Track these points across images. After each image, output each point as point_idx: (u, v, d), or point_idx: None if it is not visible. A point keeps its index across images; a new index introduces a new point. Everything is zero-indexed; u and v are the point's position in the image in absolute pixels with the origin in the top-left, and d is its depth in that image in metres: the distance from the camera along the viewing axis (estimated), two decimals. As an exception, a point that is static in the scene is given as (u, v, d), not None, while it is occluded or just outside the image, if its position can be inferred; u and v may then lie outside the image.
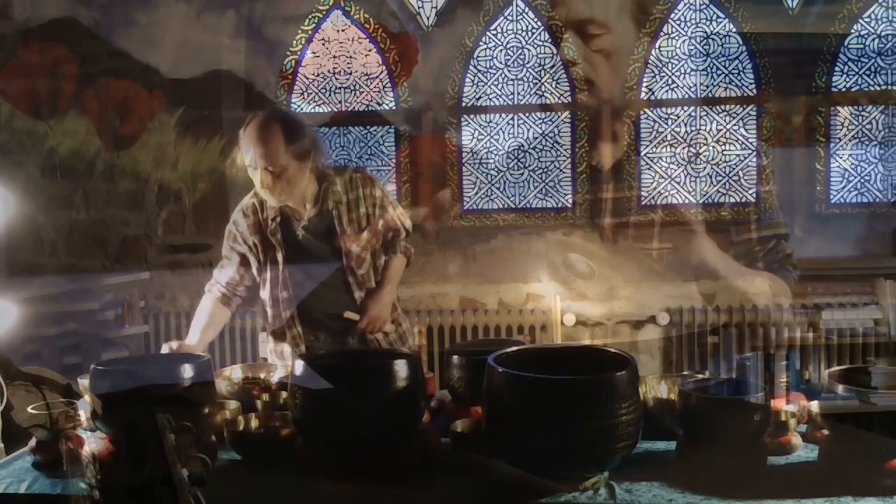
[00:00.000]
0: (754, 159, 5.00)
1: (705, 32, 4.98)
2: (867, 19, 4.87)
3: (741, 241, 4.87)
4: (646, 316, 4.85)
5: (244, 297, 2.97)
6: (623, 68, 4.98)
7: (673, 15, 4.99)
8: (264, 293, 2.91)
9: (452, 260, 5.00)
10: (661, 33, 5.00)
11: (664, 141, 5.06)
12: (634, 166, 5.06)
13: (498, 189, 5.21)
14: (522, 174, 5.18)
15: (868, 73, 4.90)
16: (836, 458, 1.98)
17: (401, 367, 2.05)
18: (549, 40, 5.09)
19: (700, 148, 5.04)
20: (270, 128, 2.70)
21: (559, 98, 5.12)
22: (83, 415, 2.31)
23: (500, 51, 5.15)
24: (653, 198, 5.09)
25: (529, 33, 5.12)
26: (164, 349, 2.78)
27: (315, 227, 2.84)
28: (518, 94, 5.15)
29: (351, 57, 5.27)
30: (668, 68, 5.02)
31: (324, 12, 5.25)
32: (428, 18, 5.15)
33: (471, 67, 5.17)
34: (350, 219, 2.85)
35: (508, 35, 5.13)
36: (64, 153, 5.04)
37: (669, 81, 5.03)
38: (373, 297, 2.88)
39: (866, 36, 4.87)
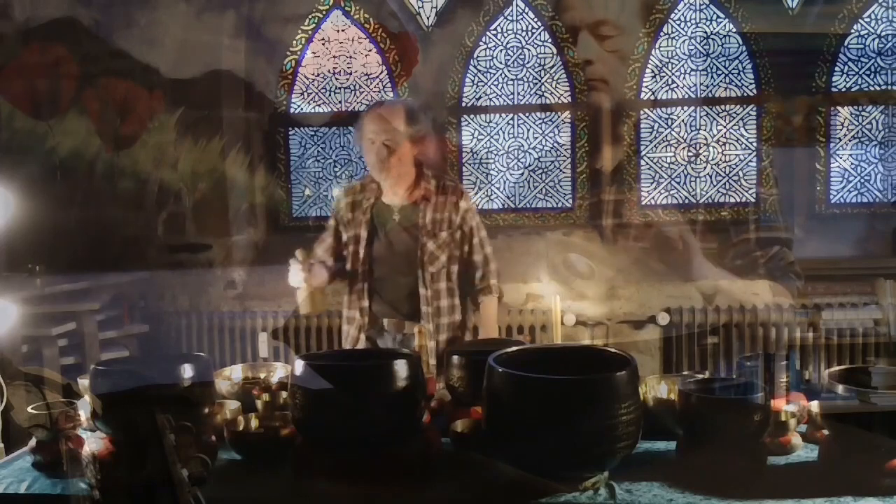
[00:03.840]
0: (754, 160, 5.00)
1: (705, 32, 4.98)
2: (867, 19, 4.87)
3: (739, 241, 4.87)
4: (646, 316, 4.85)
5: (330, 270, 3.16)
6: (625, 70, 4.99)
7: (673, 15, 4.99)
8: (348, 265, 3.16)
9: (452, 260, 4.99)
10: (662, 33, 5.00)
11: (664, 141, 5.07)
12: (635, 167, 5.06)
13: (498, 189, 5.21)
14: (522, 174, 5.19)
15: (868, 73, 4.90)
16: (836, 458, 1.97)
17: (401, 367, 2.05)
18: (550, 41, 5.09)
19: (700, 148, 5.04)
20: (395, 108, 3.07)
21: (559, 99, 5.12)
22: (83, 415, 2.31)
23: (500, 51, 5.15)
24: (653, 198, 5.09)
25: (529, 33, 5.12)
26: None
27: (406, 216, 3.10)
28: (518, 94, 5.15)
29: (351, 57, 5.27)
30: (668, 68, 5.02)
31: (324, 12, 5.25)
32: (428, 18, 5.15)
33: (471, 67, 5.17)
34: (434, 218, 3.08)
35: (508, 35, 5.14)
36: (64, 153, 5.04)
37: (670, 81, 5.03)
38: None
39: (866, 36, 4.88)
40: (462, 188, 3.23)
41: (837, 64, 4.90)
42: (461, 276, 3.20)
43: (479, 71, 5.18)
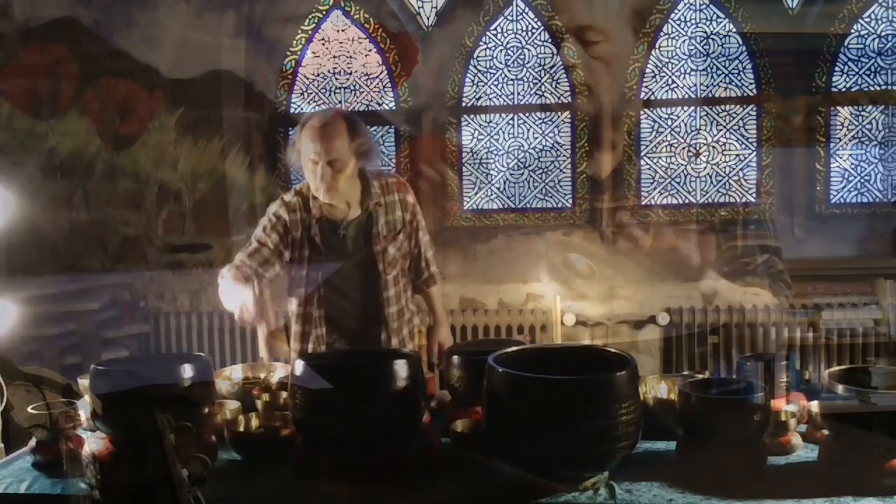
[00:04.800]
0: (754, 160, 5.00)
1: (705, 32, 4.98)
2: (867, 19, 4.87)
3: (728, 248, 4.88)
4: (646, 316, 4.85)
5: (266, 280, 2.87)
6: (622, 71, 4.99)
7: (673, 15, 4.99)
8: (297, 291, 2.92)
9: (452, 260, 5.00)
10: (661, 33, 5.00)
11: (664, 141, 5.07)
12: (634, 167, 5.06)
13: (498, 189, 5.21)
14: (522, 174, 5.19)
15: (868, 73, 4.90)
16: (836, 458, 1.97)
17: (401, 367, 2.05)
18: (550, 41, 5.09)
19: (700, 148, 5.04)
20: (337, 123, 2.74)
21: (559, 99, 5.12)
22: (83, 415, 2.31)
23: (500, 51, 5.15)
24: (653, 198, 5.09)
25: (529, 33, 5.12)
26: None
27: (357, 228, 2.88)
28: (518, 94, 5.15)
29: (351, 57, 5.27)
30: (668, 69, 5.02)
31: (324, 12, 5.25)
32: (428, 18, 5.15)
33: (471, 67, 5.17)
34: (387, 221, 2.90)
35: (508, 35, 5.14)
36: (64, 153, 5.04)
37: (669, 82, 5.03)
38: (440, 332, 3.15)
39: (866, 36, 4.88)
40: (404, 181, 3.05)
41: (837, 64, 4.90)
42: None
43: (479, 71, 5.17)
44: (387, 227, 2.90)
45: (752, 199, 5.00)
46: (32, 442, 2.21)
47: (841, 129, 4.94)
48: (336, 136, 2.72)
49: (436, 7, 5.14)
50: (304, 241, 2.87)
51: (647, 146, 5.07)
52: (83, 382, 2.51)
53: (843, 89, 4.93)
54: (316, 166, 2.73)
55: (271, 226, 2.89)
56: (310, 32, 5.28)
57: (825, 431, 2.09)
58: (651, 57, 5.01)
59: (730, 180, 5.03)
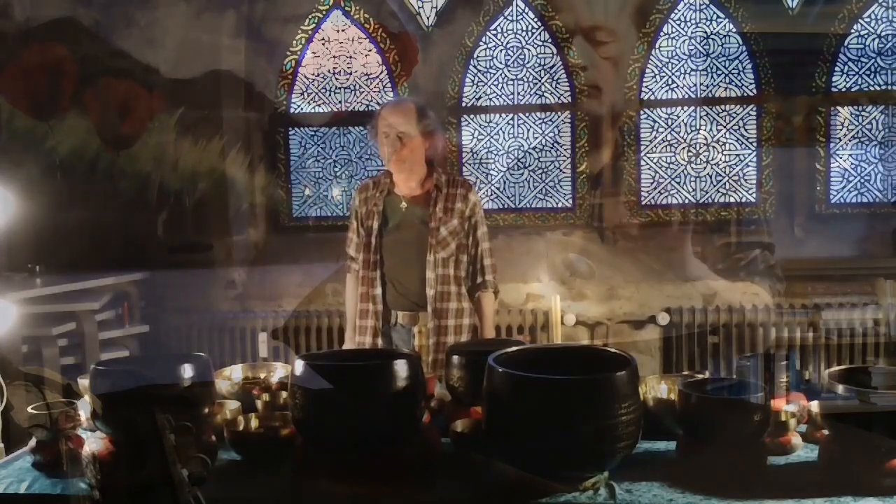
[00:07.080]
0: (754, 160, 5.00)
1: (705, 32, 4.98)
2: (867, 19, 4.87)
3: (721, 244, 4.88)
4: (646, 316, 4.85)
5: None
6: (626, 71, 4.99)
7: (673, 15, 4.99)
8: (360, 255, 3.31)
9: (452, 260, 4.98)
10: (661, 33, 5.00)
11: (664, 141, 5.07)
12: (634, 167, 5.06)
13: (498, 189, 5.21)
14: (522, 174, 5.19)
15: (868, 73, 4.90)
16: (836, 458, 1.97)
17: (401, 367, 2.05)
18: (550, 41, 5.09)
19: (700, 148, 5.04)
20: (407, 104, 3.33)
21: (559, 99, 5.12)
22: (83, 415, 2.31)
23: (500, 51, 5.15)
24: (653, 198, 5.10)
25: (529, 33, 5.12)
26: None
27: (415, 205, 3.27)
28: (518, 94, 5.15)
29: (351, 57, 5.27)
30: (668, 69, 5.02)
31: (324, 12, 5.25)
32: (428, 18, 5.15)
33: (471, 67, 5.17)
34: (444, 206, 3.24)
35: (508, 35, 5.14)
36: (64, 153, 5.04)
37: (669, 82, 5.03)
38: (480, 336, 3.31)
39: (866, 36, 4.88)
40: (470, 182, 3.41)
41: (837, 64, 4.90)
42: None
43: (479, 71, 5.17)
44: (443, 211, 3.23)
45: (752, 199, 5.00)
46: (32, 442, 2.21)
47: (841, 129, 4.94)
48: (406, 113, 3.21)
49: (436, 7, 5.14)
50: (372, 213, 3.28)
51: (648, 146, 5.07)
52: (83, 382, 2.51)
53: (843, 89, 4.93)
54: (387, 139, 3.19)
55: (354, 214, 3.37)
56: (310, 32, 5.28)
57: (825, 431, 2.09)
58: (651, 57, 5.01)
59: (729, 180, 5.03)
